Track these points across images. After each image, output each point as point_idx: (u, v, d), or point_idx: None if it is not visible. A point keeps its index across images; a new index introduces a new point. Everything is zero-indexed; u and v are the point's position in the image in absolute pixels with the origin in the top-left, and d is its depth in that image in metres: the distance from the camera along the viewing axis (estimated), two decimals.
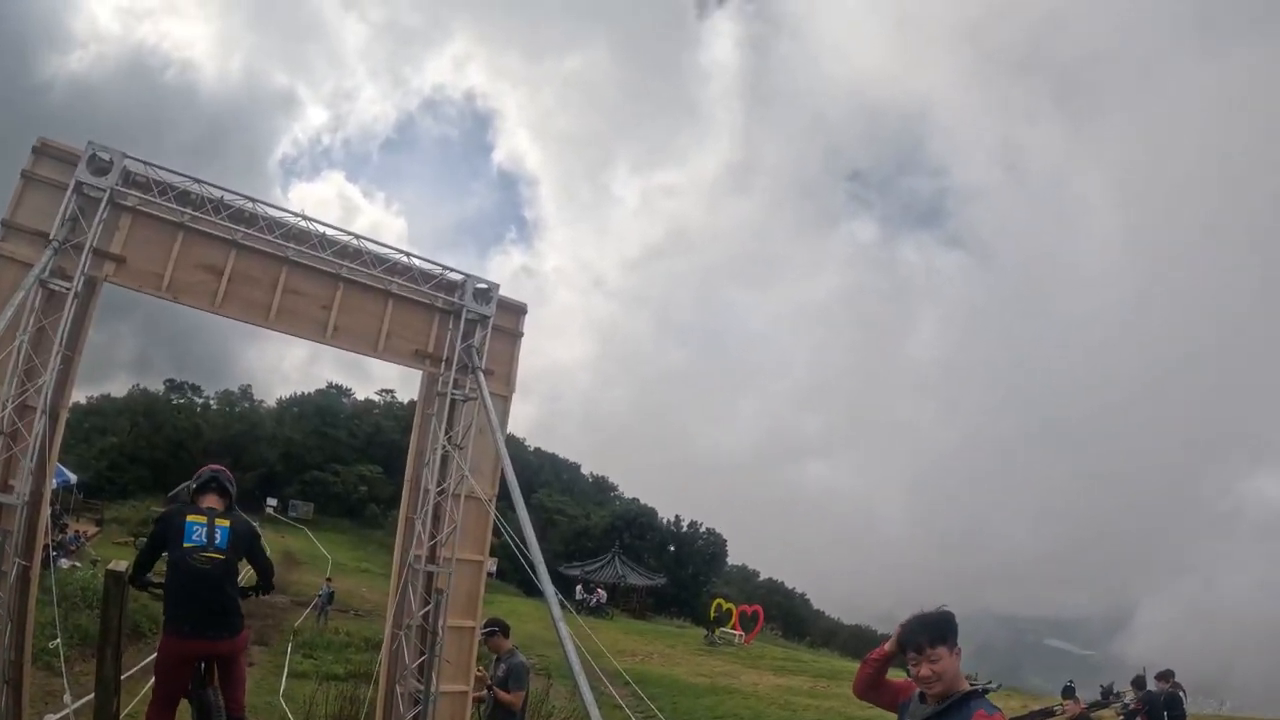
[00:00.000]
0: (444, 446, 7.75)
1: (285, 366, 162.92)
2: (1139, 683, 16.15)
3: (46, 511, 6.58)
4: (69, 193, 6.41)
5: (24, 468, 6.04)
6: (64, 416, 6.56)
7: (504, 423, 8.00)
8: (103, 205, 6.50)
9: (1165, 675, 15.74)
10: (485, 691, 8.61)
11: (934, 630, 3.52)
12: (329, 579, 32.90)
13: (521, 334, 8.72)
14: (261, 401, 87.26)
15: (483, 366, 7.85)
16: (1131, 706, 15.33)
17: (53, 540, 27.54)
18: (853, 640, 69.68)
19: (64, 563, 24.85)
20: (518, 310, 8.73)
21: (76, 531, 34.00)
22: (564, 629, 5.20)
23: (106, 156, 6.54)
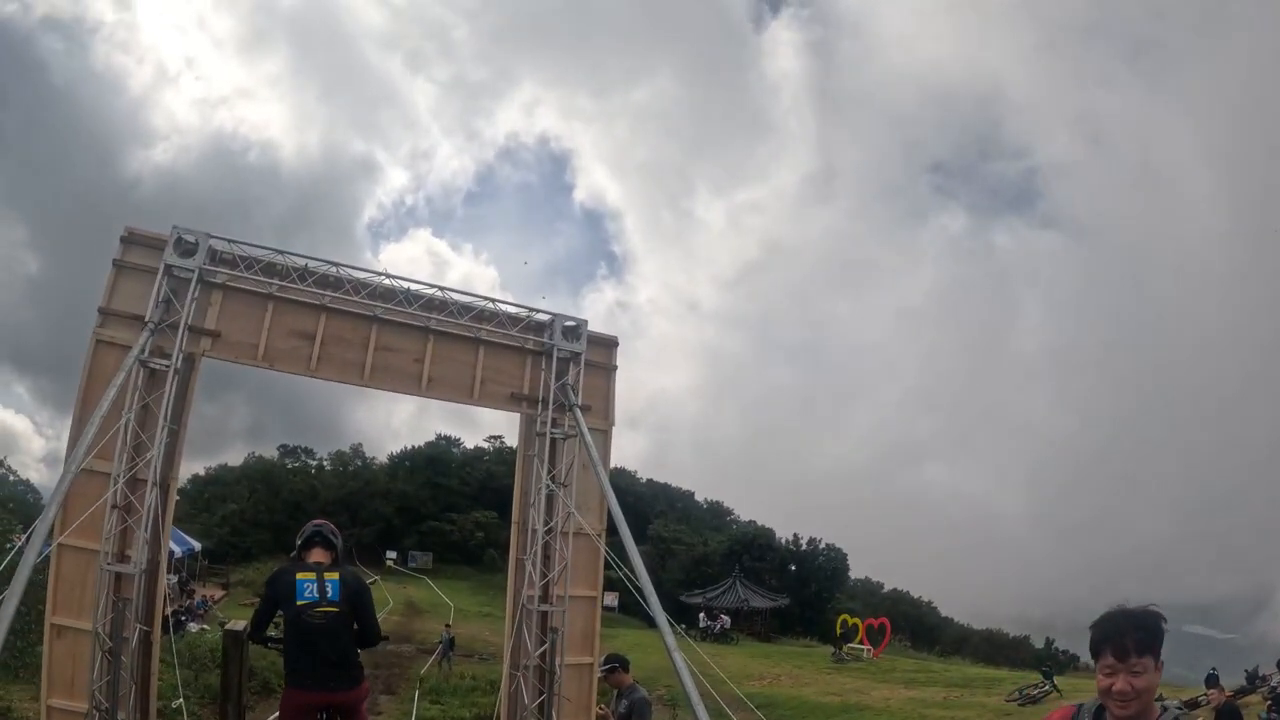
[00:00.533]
0: (548, 486, 7.79)
1: (395, 423, 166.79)
2: None
3: (164, 578, 6.84)
4: (159, 276, 6.71)
5: (139, 538, 6.31)
6: (174, 487, 6.83)
7: (606, 456, 8.02)
8: (193, 284, 6.78)
9: None
10: None
11: (1145, 632, 2.75)
12: (447, 625, 33.70)
13: (615, 367, 8.74)
14: (374, 458, 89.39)
15: (579, 403, 7.88)
16: None
17: (182, 605, 28.80)
18: (984, 645, 67.41)
19: (193, 626, 25.87)
20: (609, 344, 8.75)
21: (204, 596, 35.43)
22: (679, 658, 5.14)
23: (192, 238, 6.82)
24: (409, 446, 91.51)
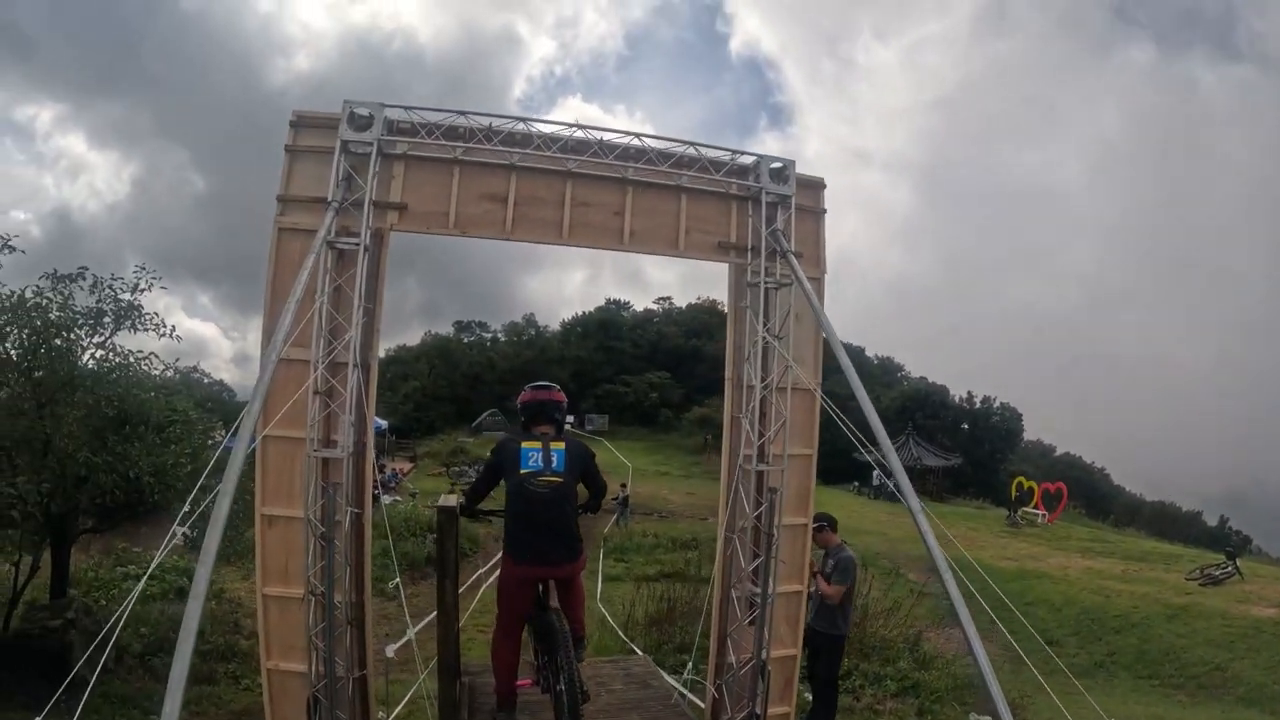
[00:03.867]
0: (763, 338, 7.30)
1: (566, 291, 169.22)
2: None
3: (371, 458, 6.81)
4: (337, 153, 6.38)
5: (344, 421, 6.19)
6: (375, 367, 6.69)
7: (821, 305, 7.42)
8: (373, 158, 6.43)
9: None
10: (812, 578, 8.38)
11: None
12: (623, 485, 34.77)
13: (824, 210, 8.00)
14: (546, 326, 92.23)
15: (792, 249, 7.27)
16: None
17: (375, 481, 30.77)
18: (1156, 518, 64.48)
19: (386, 499, 27.46)
20: (817, 186, 8.01)
21: (394, 470, 37.76)
22: (932, 540, 4.69)
23: (365, 112, 6.43)
24: (580, 313, 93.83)
